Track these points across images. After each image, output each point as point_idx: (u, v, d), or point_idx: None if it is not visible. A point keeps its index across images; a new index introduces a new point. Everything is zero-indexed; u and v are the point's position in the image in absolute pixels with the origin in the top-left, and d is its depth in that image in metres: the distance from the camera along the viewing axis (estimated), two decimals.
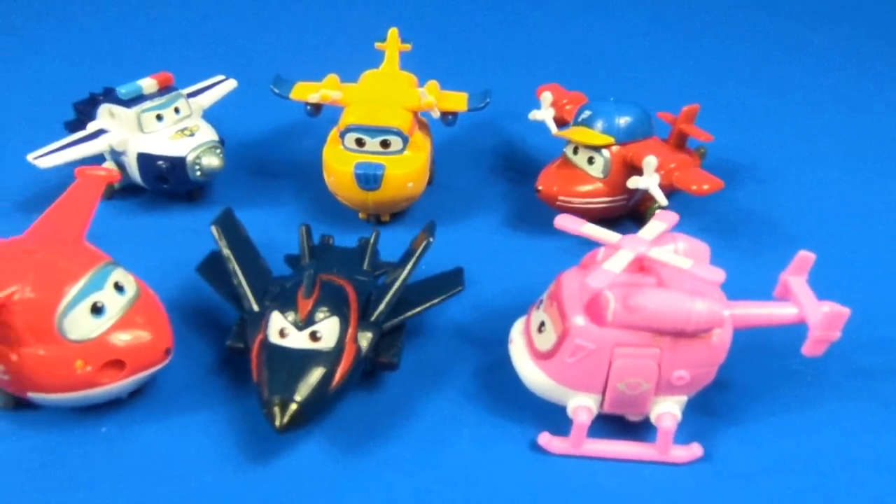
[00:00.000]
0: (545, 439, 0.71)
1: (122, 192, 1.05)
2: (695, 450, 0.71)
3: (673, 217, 0.72)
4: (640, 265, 0.69)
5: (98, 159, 1.01)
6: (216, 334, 0.83)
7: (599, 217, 0.93)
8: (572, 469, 0.70)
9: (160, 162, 0.97)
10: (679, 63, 1.55)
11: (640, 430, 0.74)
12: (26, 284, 0.65)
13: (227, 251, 0.77)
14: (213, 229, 0.77)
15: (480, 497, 0.68)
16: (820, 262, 0.74)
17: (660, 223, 0.70)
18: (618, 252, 0.66)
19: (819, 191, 1.13)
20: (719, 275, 0.64)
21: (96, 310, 0.68)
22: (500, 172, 1.16)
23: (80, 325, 0.67)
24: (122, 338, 0.69)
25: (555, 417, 0.74)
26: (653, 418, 0.70)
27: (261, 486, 0.68)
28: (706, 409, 0.75)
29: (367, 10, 1.73)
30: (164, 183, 0.99)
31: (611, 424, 0.74)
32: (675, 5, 1.82)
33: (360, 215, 1.02)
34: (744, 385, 0.79)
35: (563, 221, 0.71)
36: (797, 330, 0.76)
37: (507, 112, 1.25)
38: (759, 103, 1.39)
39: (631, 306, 0.63)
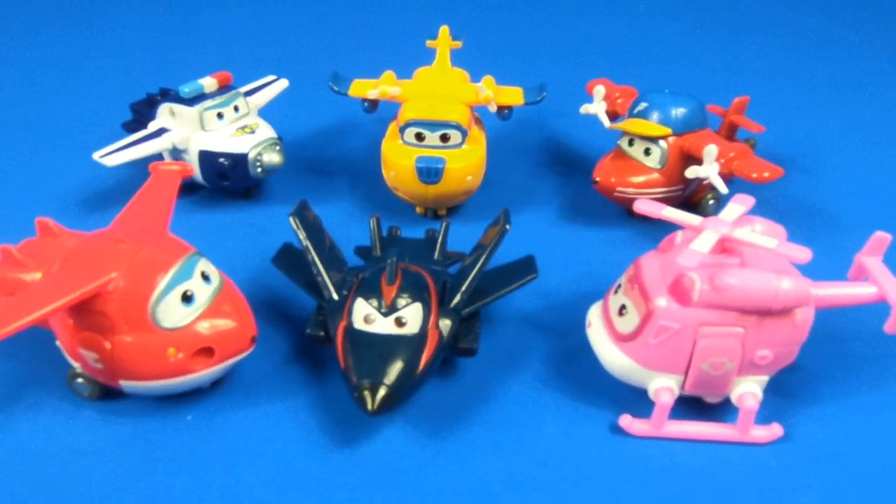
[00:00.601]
0: (626, 421, 0.72)
1: (179, 189, 1.06)
2: (775, 430, 0.72)
3: (750, 200, 0.73)
4: (722, 246, 0.70)
5: (156, 158, 1.02)
6: (288, 325, 0.85)
7: None
8: (654, 450, 0.71)
9: (222, 159, 0.99)
10: (718, 58, 1.57)
11: (714, 412, 0.75)
12: (120, 274, 0.67)
13: (306, 242, 0.78)
14: (292, 220, 0.79)
15: (569, 477, 0.69)
16: None
17: (738, 206, 0.72)
18: (702, 233, 0.67)
19: (865, 179, 1.14)
20: (805, 253, 0.65)
21: (186, 298, 0.69)
22: (548, 167, 1.17)
23: (172, 314, 0.68)
24: (211, 326, 0.70)
25: (630, 401, 0.75)
26: (734, 398, 0.71)
27: (351, 469, 0.69)
28: (781, 391, 0.76)
29: (404, 10, 1.76)
30: (224, 180, 1.01)
31: (685, 407, 0.75)
32: (713, 1, 1.84)
33: (417, 209, 1.03)
34: (814, 368, 0.80)
35: (644, 206, 0.72)
36: (860, 314, 0.79)
37: (550, 109, 1.26)
38: (797, 96, 1.41)
39: (719, 286, 0.64)
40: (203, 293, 0.71)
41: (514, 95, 1.03)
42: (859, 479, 0.69)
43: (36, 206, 1.03)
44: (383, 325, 0.71)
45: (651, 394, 0.71)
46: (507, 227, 0.78)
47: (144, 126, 1.04)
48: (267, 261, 0.88)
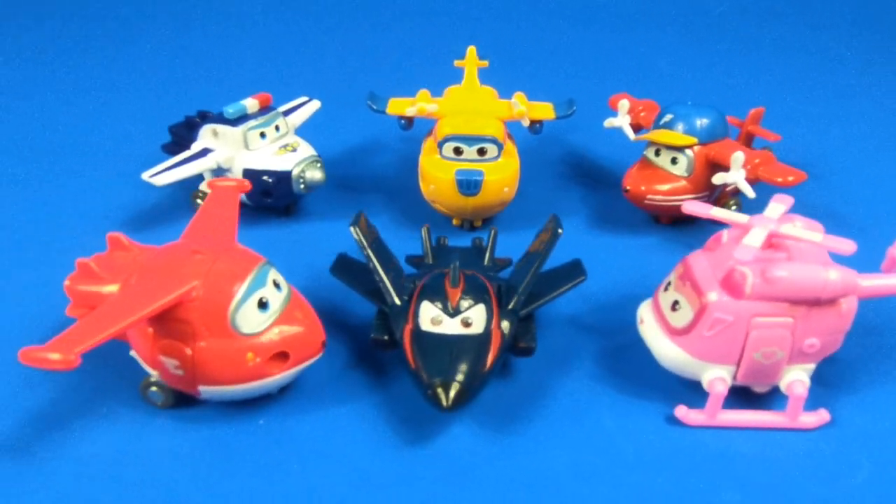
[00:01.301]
0: (682, 412, 0.76)
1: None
2: (823, 415, 0.75)
3: (789, 199, 0.77)
4: (769, 242, 0.74)
5: (200, 177, 1.05)
6: (344, 333, 0.87)
7: (683, 213, 0.98)
8: (709, 438, 0.75)
9: (266, 177, 1.02)
10: (731, 71, 1.64)
11: (758, 401, 0.79)
12: (201, 283, 0.70)
13: (367, 250, 0.81)
14: (353, 231, 0.82)
15: (632, 465, 0.72)
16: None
17: (779, 205, 0.76)
18: (752, 230, 0.72)
19: (877, 183, 1.20)
20: (850, 245, 0.69)
21: (262, 305, 0.72)
22: (572, 179, 1.22)
23: (249, 320, 0.71)
24: (286, 331, 0.73)
25: (681, 393, 0.79)
26: (783, 387, 0.75)
27: (424, 465, 0.72)
28: (822, 381, 0.80)
29: (424, 33, 1.81)
30: (268, 197, 1.04)
31: (731, 397, 0.78)
32: (721, 19, 1.92)
33: (454, 221, 1.07)
34: (851, 358, 0.84)
35: (693, 207, 0.76)
36: (890, 307, 0.84)
37: (568, 123, 1.30)
38: (808, 106, 1.47)
39: (770, 278, 0.69)
40: (276, 300, 0.74)
41: (545, 110, 1.08)
42: None
43: (82, 227, 1.06)
44: (451, 326, 0.74)
45: (705, 385, 0.74)
46: (560, 230, 0.82)
47: (184, 147, 1.07)
48: (315, 273, 0.92)
